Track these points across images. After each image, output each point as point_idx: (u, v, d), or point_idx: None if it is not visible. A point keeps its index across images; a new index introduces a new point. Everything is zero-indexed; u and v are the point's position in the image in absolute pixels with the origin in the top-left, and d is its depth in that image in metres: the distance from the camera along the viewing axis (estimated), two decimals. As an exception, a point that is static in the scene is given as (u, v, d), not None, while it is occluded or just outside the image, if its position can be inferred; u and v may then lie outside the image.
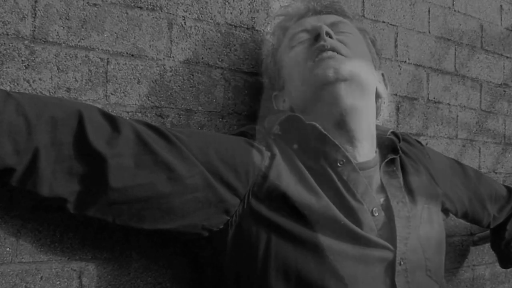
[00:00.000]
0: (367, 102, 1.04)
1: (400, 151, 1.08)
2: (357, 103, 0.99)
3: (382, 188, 1.02)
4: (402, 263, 0.96)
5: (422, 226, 1.03)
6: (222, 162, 0.91)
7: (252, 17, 1.20)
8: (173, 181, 0.86)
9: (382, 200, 1.00)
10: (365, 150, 1.02)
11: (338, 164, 0.97)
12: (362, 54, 1.07)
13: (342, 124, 1.00)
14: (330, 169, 0.97)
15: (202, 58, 1.11)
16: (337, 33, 1.05)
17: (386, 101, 1.15)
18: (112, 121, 0.84)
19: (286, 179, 0.94)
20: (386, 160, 1.04)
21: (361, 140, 1.02)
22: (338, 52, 1.01)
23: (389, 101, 1.47)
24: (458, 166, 1.33)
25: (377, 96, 1.10)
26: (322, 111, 1.00)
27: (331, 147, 0.98)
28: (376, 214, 0.97)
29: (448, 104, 1.62)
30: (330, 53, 1.00)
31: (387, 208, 1.00)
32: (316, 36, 1.02)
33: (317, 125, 0.98)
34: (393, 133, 1.11)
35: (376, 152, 1.05)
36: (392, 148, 1.07)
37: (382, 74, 1.15)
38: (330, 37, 1.02)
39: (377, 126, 1.09)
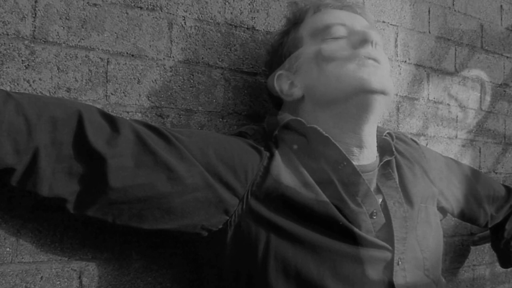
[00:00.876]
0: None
1: (395, 152, 1.08)
2: (380, 115, 1.02)
3: (379, 190, 1.02)
4: (400, 262, 0.96)
5: (420, 226, 1.03)
6: (222, 162, 0.91)
7: (252, 17, 1.20)
8: (173, 181, 0.86)
9: (380, 201, 1.01)
10: (369, 154, 1.02)
11: (339, 166, 0.97)
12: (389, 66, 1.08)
13: (358, 130, 1.00)
14: (330, 171, 0.97)
15: (202, 58, 1.11)
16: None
17: None
18: (111, 121, 0.84)
19: (285, 179, 0.94)
20: (381, 163, 1.04)
21: (368, 145, 1.02)
22: (381, 65, 1.01)
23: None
24: (456, 165, 1.33)
25: None
26: (346, 112, 0.99)
27: (333, 150, 0.98)
28: (375, 216, 0.97)
29: (448, 104, 1.62)
30: (375, 63, 0.99)
31: (385, 209, 1.00)
32: (363, 41, 1.00)
33: (318, 128, 0.98)
34: (389, 133, 1.11)
35: (376, 156, 1.05)
36: (387, 149, 1.07)
37: None
38: (376, 44, 1.01)
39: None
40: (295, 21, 1.09)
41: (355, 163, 0.98)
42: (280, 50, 1.09)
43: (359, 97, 0.97)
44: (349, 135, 1.00)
